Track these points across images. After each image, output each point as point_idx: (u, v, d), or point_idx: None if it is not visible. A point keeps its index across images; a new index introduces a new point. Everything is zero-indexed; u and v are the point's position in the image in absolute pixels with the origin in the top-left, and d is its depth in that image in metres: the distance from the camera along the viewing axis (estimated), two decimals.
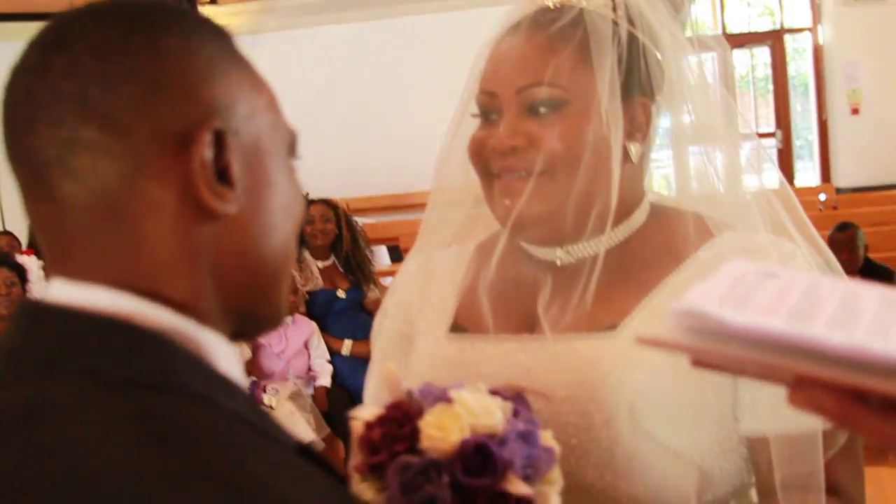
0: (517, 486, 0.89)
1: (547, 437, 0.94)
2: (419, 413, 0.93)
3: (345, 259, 5.08)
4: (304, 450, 0.74)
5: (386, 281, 5.41)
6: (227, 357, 0.72)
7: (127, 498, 0.58)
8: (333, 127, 8.23)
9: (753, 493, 1.17)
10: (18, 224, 6.62)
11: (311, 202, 5.03)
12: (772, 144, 9.31)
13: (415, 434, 0.92)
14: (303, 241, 5.00)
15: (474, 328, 1.19)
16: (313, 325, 4.85)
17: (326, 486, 0.73)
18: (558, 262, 1.17)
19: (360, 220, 5.67)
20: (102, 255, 0.70)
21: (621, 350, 1.09)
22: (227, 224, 0.72)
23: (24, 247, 6.00)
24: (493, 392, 0.94)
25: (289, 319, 4.73)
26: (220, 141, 0.72)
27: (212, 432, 0.65)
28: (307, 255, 5.05)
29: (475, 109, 1.19)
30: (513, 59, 1.14)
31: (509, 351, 1.14)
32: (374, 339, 1.34)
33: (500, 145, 1.13)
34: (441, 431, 0.90)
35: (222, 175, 0.72)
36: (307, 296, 4.96)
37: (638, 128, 1.16)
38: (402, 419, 0.93)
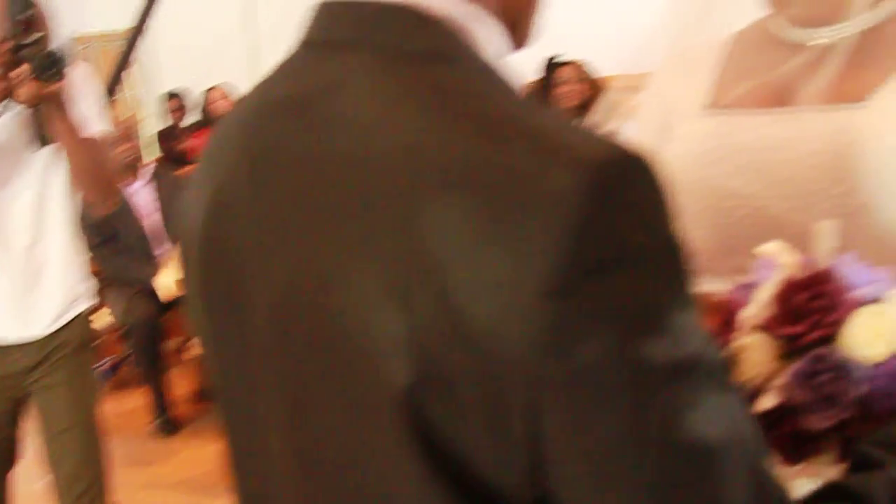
0: None
1: None
2: (849, 303, 0.89)
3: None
4: None
5: None
6: (498, 43, 0.72)
7: (411, 147, 0.62)
8: None
9: None
10: None
11: (561, 64, 5.17)
12: None
13: (837, 326, 0.88)
14: (550, 102, 5.15)
15: (731, 105, 1.24)
16: None
17: None
18: (814, 42, 1.19)
19: None
20: None
21: (871, 120, 1.11)
22: None
23: None
24: None
25: None
26: None
27: (493, 93, 0.67)
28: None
29: None
30: None
31: (763, 123, 1.18)
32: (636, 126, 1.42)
33: None
34: (874, 338, 0.87)
35: None
36: None
37: None
38: (831, 302, 0.89)
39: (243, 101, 0.80)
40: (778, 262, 0.93)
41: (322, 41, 0.74)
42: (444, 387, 0.60)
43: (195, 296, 0.81)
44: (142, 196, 4.79)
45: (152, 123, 8.12)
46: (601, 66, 5.27)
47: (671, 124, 1.29)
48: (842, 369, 0.86)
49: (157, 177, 4.86)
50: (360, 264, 0.63)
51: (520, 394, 0.59)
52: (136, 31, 5.13)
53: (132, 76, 8.05)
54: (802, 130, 1.14)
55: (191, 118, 7.55)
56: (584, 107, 5.16)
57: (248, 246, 0.72)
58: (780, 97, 1.19)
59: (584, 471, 0.59)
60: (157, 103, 8.06)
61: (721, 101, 1.25)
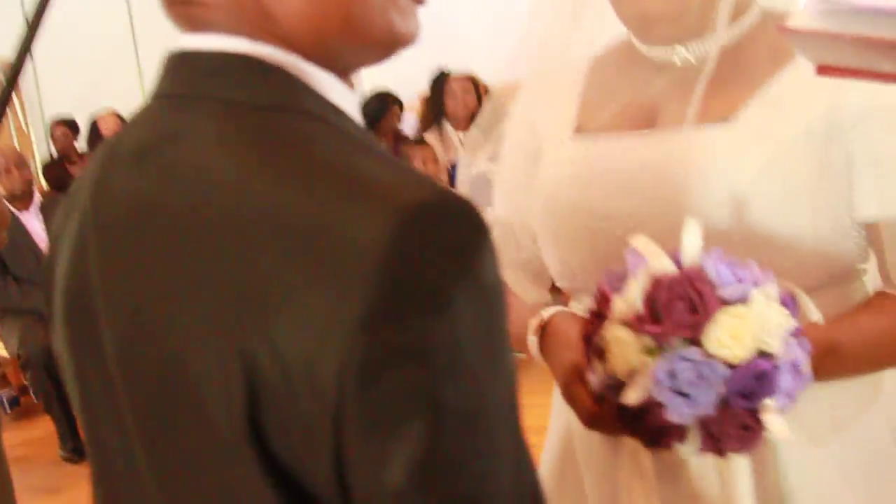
0: (776, 423, 0.90)
1: (806, 364, 0.94)
2: (715, 303, 0.91)
3: None
4: None
5: None
6: (339, 93, 0.75)
7: (241, 195, 0.65)
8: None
9: (866, 280, 1.22)
10: None
11: (452, 76, 5.31)
12: None
13: (700, 327, 0.90)
14: (444, 113, 5.29)
15: (597, 129, 1.25)
16: None
17: None
18: (677, 61, 1.20)
19: None
20: (211, 9, 0.74)
21: (736, 139, 1.13)
22: None
23: None
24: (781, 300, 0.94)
25: None
26: None
27: (323, 140, 0.70)
28: (448, 126, 5.31)
29: None
30: None
31: (631, 145, 1.19)
32: (501, 157, 1.43)
33: None
34: (734, 340, 0.90)
35: None
36: (449, 167, 5.18)
37: None
38: (694, 306, 0.91)
39: (98, 152, 0.82)
40: (646, 257, 0.97)
41: (169, 93, 0.76)
42: (276, 417, 0.64)
43: (62, 344, 0.83)
44: (35, 224, 4.75)
45: (41, 150, 7.98)
46: (487, 73, 5.42)
47: (541, 149, 1.30)
48: (702, 369, 0.89)
49: (44, 209, 4.83)
50: (193, 308, 0.66)
51: (326, 422, 0.62)
52: (20, 59, 5.06)
53: (17, 104, 7.90)
54: (670, 152, 1.15)
55: (79, 144, 7.44)
56: (474, 118, 5.29)
57: (99, 293, 0.75)
58: (646, 118, 1.21)
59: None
60: (44, 130, 7.92)
61: (587, 125, 1.26)
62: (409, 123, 6.16)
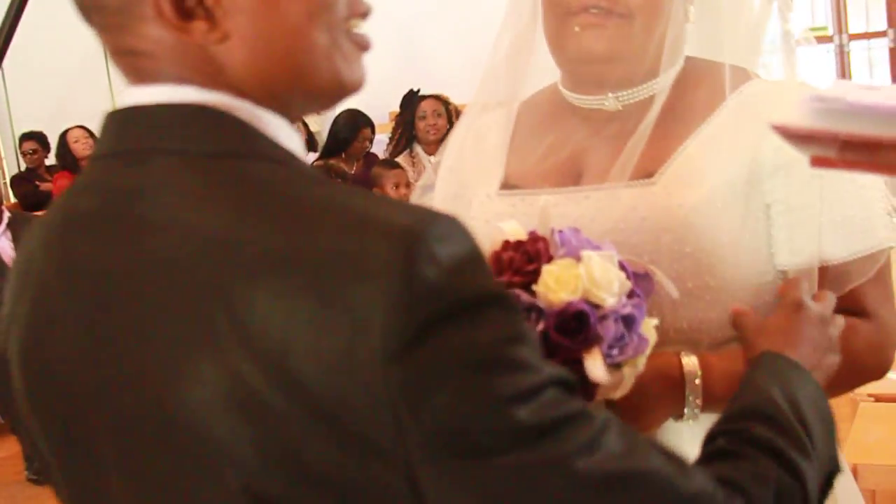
0: (594, 365, 0.96)
1: (648, 326, 1.00)
2: (549, 257, 1.00)
3: None
4: None
5: None
6: (288, 136, 0.75)
7: (232, 245, 0.65)
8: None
9: None
10: None
11: (422, 97, 5.33)
12: (883, 44, 7.43)
13: (536, 275, 0.98)
14: (415, 135, 5.29)
15: (524, 184, 1.25)
16: None
17: None
18: (606, 106, 1.21)
19: None
20: (159, 60, 0.74)
21: (658, 197, 1.14)
22: (232, 44, 0.73)
23: None
24: (622, 266, 1.00)
25: None
26: None
27: (292, 180, 0.70)
28: (419, 149, 5.31)
29: None
30: None
31: (557, 203, 1.18)
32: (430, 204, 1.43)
33: None
34: (557, 285, 0.97)
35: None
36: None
37: None
38: (533, 255, 1.00)
39: (45, 219, 0.80)
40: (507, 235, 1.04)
41: (116, 151, 0.75)
42: (292, 468, 0.64)
43: (24, 414, 0.80)
44: (2, 242, 4.70)
45: (10, 167, 7.91)
46: (460, 94, 5.43)
47: (468, 199, 1.30)
48: (533, 310, 0.97)
49: (11, 225, 4.78)
50: (192, 362, 0.65)
51: (395, 448, 0.62)
52: None
53: None
54: (596, 210, 1.16)
55: (48, 161, 7.38)
56: (445, 140, 5.30)
57: (76, 360, 0.73)
58: (571, 172, 1.22)
59: None
60: (14, 147, 7.85)
61: (514, 179, 1.26)
62: (380, 146, 6.16)
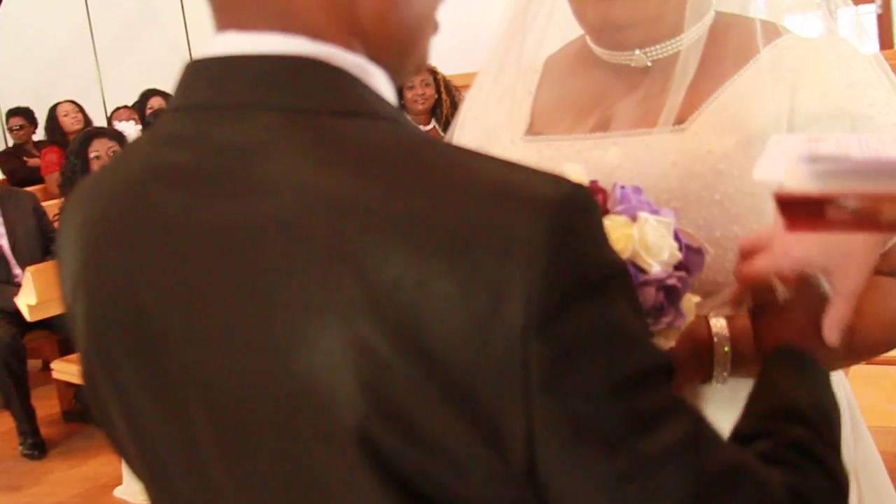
0: None
1: (689, 302, 0.99)
2: (605, 211, 0.97)
3: (445, 123, 5.21)
4: None
5: None
6: (389, 92, 0.73)
7: (363, 213, 0.62)
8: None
9: None
10: None
11: None
12: (871, 10, 7.46)
13: None
14: (403, 105, 5.27)
15: (549, 130, 1.24)
16: None
17: None
18: (633, 64, 1.21)
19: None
20: (267, 5, 0.70)
21: (688, 143, 1.13)
22: None
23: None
24: (677, 236, 0.98)
25: None
26: None
27: (417, 143, 0.67)
28: (408, 119, 5.29)
29: None
30: None
31: (584, 148, 1.18)
32: None
33: None
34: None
35: None
36: None
37: None
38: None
39: (116, 172, 0.76)
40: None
41: (214, 104, 0.71)
42: (406, 426, 0.61)
43: (92, 364, 0.77)
44: None
45: None
46: (447, 64, 5.42)
47: (492, 145, 1.29)
48: None
49: (1, 199, 4.78)
50: (317, 328, 0.62)
51: (516, 426, 0.61)
52: None
53: None
54: (624, 155, 1.15)
55: (35, 136, 7.35)
56: (433, 110, 5.32)
57: (171, 319, 0.69)
58: (599, 121, 1.21)
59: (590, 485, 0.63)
60: (1, 124, 7.82)
61: (539, 127, 1.25)
62: None
